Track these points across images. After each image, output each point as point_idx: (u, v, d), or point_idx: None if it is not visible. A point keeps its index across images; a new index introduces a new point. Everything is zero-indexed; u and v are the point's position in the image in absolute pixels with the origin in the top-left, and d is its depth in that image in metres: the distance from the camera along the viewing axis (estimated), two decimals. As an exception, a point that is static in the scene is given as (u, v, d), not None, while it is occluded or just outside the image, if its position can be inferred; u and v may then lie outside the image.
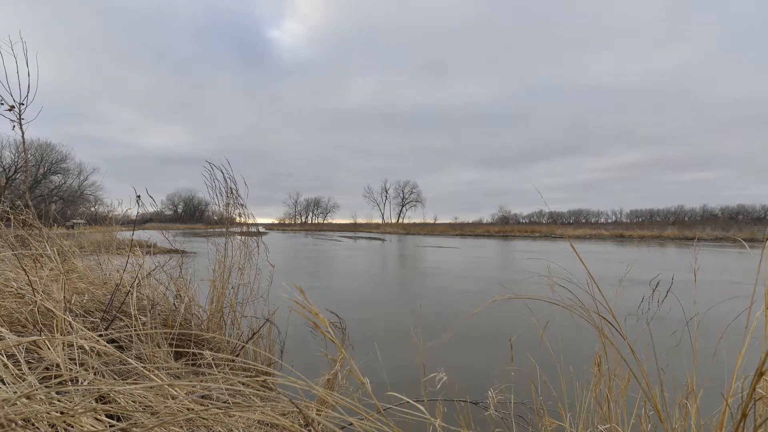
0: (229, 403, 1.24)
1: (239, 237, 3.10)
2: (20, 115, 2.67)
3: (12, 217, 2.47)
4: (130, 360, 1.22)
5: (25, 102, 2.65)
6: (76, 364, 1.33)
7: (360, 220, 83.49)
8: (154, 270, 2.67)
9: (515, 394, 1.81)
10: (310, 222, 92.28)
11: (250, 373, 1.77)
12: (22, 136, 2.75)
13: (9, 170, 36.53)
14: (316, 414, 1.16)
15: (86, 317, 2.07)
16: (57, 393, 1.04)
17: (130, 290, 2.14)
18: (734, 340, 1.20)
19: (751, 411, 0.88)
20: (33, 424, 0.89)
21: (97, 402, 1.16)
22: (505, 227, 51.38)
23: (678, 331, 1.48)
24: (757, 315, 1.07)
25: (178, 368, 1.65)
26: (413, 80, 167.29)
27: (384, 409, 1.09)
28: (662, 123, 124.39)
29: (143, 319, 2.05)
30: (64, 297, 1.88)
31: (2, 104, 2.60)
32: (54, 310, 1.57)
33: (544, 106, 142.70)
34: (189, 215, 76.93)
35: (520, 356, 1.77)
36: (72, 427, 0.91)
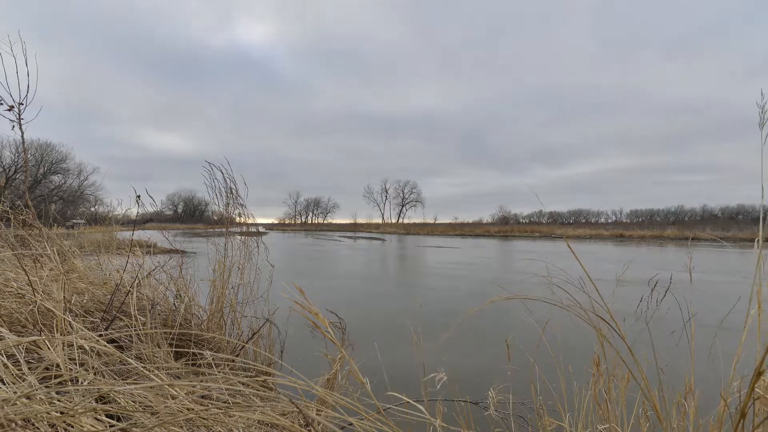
0: (229, 403, 1.25)
1: (239, 237, 3.10)
2: (20, 115, 2.67)
3: (12, 217, 2.47)
4: (130, 360, 1.22)
5: (24, 102, 2.65)
6: (76, 364, 1.33)
7: (360, 220, 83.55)
8: (154, 270, 2.67)
9: (515, 394, 1.81)
10: (310, 222, 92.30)
11: (250, 373, 1.77)
12: (22, 136, 2.75)
13: (9, 170, 36.51)
14: (316, 414, 1.16)
15: (86, 317, 2.07)
16: (57, 393, 1.04)
17: (130, 290, 2.14)
18: (733, 339, 1.20)
19: (750, 411, 0.88)
20: (33, 424, 0.89)
21: (97, 402, 1.16)
22: (505, 227, 51.40)
23: (677, 331, 1.48)
24: (751, 313, 1.07)
25: (178, 368, 1.65)
26: (409, 86, 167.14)
27: (384, 409, 1.10)
28: (657, 124, 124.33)
29: (143, 319, 2.05)
30: (64, 297, 1.88)
31: (1, 104, 2.60)
32: (54, 310, 1.57)
33: (540, 107, 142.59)
34: (189, 215, 76.92)
35: (520, 356, 1.77)
36: (72, 427, 0.91)
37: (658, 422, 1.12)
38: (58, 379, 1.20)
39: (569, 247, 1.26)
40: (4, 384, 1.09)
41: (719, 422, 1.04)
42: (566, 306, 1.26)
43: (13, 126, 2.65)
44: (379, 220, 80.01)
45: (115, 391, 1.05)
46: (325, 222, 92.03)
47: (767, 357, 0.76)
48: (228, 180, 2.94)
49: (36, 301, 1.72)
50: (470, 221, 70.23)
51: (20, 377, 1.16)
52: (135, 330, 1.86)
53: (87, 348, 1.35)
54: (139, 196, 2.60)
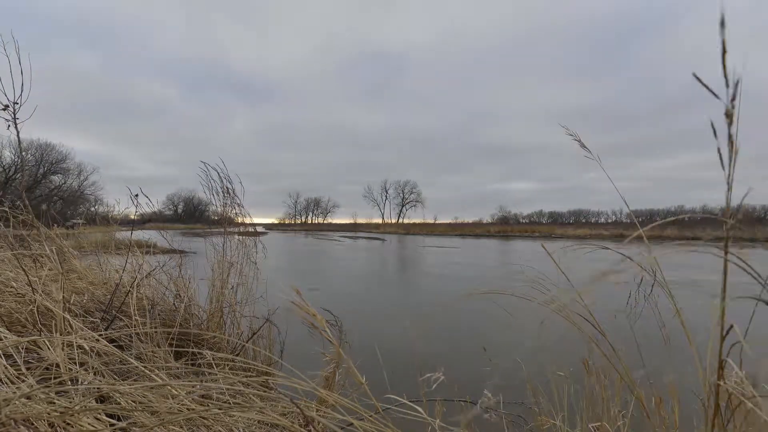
0: (229, 402, 1.25)
1: (237, 237, 3.11)
2: (15, 115, 2.67)
3: (11, 217, 2.47)
4: (130, 360, 1.23)
5: (19, 101, 2.64)
6: (76, 364, 1.33)
7: (360, 220, 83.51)
8: (153, 270, 2.68)
9: (512, 393, 1.82)
10: (310, 222, 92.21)
11: (250, 373, 1.77)
12: (18, 136, 2.74)
13: (9, 170, 36.47)
14: (316, 414, 1.16)
15: (86, 317, 2.07)
16: (57, 393, 1.05)
17: (129, 290, 2.14)
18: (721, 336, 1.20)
19: (724, 404, 0.90)
20: (33, 424, 0.90)
21: (97, 402, 1.17)
22: (505, 227, 51.46)
23: (664, 329, 1.49)
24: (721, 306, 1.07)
25: (178, 368, 1.65)
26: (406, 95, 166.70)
27: (383, 410, 1.10)
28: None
29: (143, 319, 2.05)
30: (64, 297, 1.89)
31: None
32: (54, 309, 1.58)
33: (534, 109, 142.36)
34: (189, 215, 76.80)
35: (515, 356, 1.78)
36: (72, 426, 0.91)
37: (645, 418, 1.13)
38: (58, 379, 1.20)
39: (544, 247, 1.27)
40: (4, 384, 1.09)
41: (707, 420, 1.05)
42: (544, 302, 1.27)
43: (9, 125, 2.65)
44: (379, 220, 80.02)
45: (115, 390, 1.05)
46: (325, 222, 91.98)
47: (723, 347, 0.78)
48: (224, 180, 2.95)
49: (36, 301, 1.72)
50: (470, 221, 70.27)
51: (20, 377, 1.17)
52: (135, 330, 1.86)
53: (87, 348, 1.35)
54: (136, 195, 2.61)
